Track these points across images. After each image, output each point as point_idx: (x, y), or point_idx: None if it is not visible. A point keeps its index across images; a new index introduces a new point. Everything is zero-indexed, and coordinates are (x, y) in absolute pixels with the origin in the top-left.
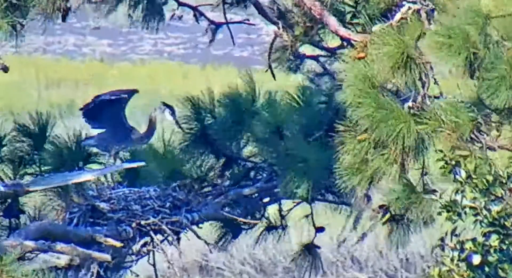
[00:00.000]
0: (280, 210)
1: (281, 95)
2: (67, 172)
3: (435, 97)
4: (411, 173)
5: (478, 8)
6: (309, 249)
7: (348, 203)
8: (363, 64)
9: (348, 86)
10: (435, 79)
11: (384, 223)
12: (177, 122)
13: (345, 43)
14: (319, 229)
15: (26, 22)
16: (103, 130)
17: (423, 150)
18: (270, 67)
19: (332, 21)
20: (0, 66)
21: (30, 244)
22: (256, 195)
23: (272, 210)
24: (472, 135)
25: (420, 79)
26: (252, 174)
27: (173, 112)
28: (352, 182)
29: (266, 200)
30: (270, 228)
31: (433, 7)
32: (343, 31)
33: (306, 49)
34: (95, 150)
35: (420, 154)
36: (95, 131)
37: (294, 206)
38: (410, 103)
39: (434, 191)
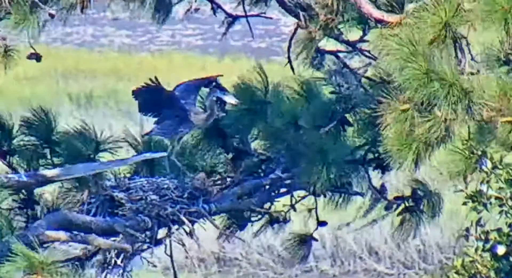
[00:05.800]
0: (291, 201)
1: (286, 86)
2: (90, 162)
3: (471, 73)
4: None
5: None
6: (305, 241)
7: (362, 194)
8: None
9: (390, 52)
10: (471, 55)
11: (398, 214)
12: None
13: (379, 25)
14: (321, 223)
15: (56, 12)
16: (161, 119)
17: (471, 112)
18: (289, 60)
19: (365, 3)
20: (33, 56)
21: (51, 234)
22: (269, 186)
23: (280, 202)
24: None
25: (456, 56)
26: (263, 166)
27: (228, 94)
28: (400, 156)
29: (282, 190)
30: (273, 221)
31: None
32: (376, 13)
33: (327, 45)
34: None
35: (468, 114)
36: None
37: (300, 199)
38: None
39: (484, 152)
